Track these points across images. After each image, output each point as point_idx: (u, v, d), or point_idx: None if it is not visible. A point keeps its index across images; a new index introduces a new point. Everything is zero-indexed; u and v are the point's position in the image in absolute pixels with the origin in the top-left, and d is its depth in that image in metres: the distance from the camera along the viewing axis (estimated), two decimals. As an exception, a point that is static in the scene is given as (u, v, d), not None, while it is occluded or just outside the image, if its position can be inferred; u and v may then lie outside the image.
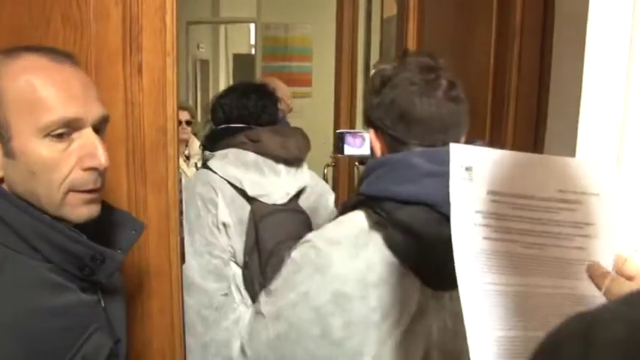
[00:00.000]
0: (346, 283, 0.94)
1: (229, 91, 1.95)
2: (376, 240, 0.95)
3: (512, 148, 1.36)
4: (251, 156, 1.71)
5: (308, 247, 1.01)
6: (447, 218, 0.69)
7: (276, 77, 3.62)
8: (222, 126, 1.85)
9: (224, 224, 1.68)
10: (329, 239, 1.00)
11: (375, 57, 3.85)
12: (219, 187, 1.69)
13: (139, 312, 1.37)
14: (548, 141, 1.27)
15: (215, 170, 1.71)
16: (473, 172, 0.66)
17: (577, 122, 1.14)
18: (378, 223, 0.96)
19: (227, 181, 1.69)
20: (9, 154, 0.81)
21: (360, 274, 0.94)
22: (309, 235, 1.06)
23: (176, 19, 1.30)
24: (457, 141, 0.98)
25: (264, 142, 1.71)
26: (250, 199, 1.69)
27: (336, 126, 2.88)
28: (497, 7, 1.43)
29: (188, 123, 3.09)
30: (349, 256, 0.96)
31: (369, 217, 0.98)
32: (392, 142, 1.01)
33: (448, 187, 0.75)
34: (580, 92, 1.13)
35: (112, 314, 0.97)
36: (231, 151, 1.73)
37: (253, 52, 6.01)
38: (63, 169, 0.82)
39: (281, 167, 1.73)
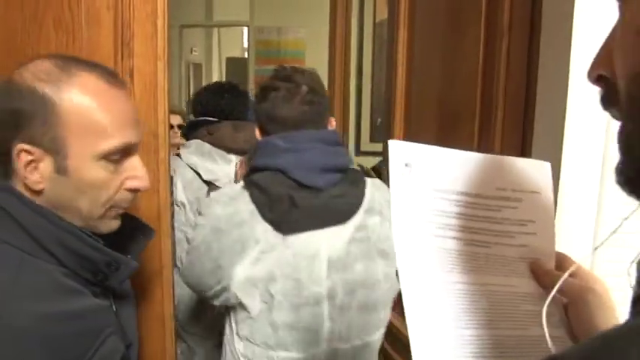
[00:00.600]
0: (219, 221, 1.36)
1: (207, 89, 2.34)
2: (245, 196, 1.36)
3: (501, 148, 1.37)
4: (207, 146, 2.12)
5: (208, 200, 1.60)
6: (294, 181, 1.33)
7: (269, 80, 3.62)
8: (199, 118, 2.22)
9: (182, 203, 2.07)
10: (217, 195, 1.46)
11: (367, 60, 3.88)
12: (180, 172, 2.08)
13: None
14: (536, 141, 1.29)
15: (181, 157, 2.13)
16: (412, 168, 0.64)
17: (564, 122, 1.16)
18: (248, 184, 1.38)
19: (189, 166, 2.09)
20: (61, 170, 0.83)
21: (229, 216, 1.35)
22: (211, 194, 1.65)
23: (168, 24, 1.30)
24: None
25: (219, 135, 2.11)
26: (207, 183, 2.08)
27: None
28: (486, 7, 1.44)
29: (180, 127, 3.08)
30: (225, 205, 1.38)
31: (245, 181, 1.41)
32: (265, 135, 1.44)
33: (298, 158, 1.33)
34: (567, 92, 1.15)
35: (124, 319, 0.99)
36: (194, 142, 2.15)
37: (246, 55, 6.02)
38: (110, 189, 0.87)
39: (232, 156, 2.12)
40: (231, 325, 1.44)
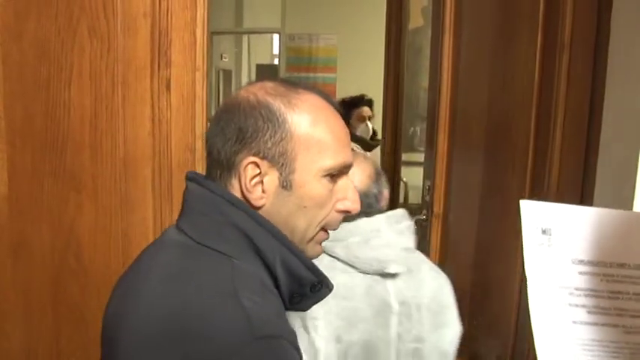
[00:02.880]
0: None
1: None
2: None
3: (558, 179, 1.25)
4: None
5: None
6: None
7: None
8: None
9: None
10: None
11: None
12: None
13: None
14: (601, 171, 1.16)
15: None
16: (552, 235, 0.54)
17: (638, 150, 1.03)
18: None
19: None
20: (286, 185, 0.82)
21: None
22: None
23: (208, 34, 1.24)
24: None
25: None
26: None
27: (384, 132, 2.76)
28: (544, 16, 1.30)
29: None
30: None
31: None
32: None
33: None
34: None
35: None
36: None
37: (276, 62, 5.97)
38: (327, 207, 0.85)
39: None
40: None
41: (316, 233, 0.86)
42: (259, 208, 0.82)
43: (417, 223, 1.60)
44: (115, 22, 1.24)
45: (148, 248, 0.91)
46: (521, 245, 0.53)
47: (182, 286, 0.75)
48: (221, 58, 6.75)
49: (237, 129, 0.81)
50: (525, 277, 0.53)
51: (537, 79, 1.36)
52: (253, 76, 7.17)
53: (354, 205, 0.88)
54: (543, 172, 1.29)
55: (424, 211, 1.70)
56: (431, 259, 1.44)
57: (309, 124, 0.82)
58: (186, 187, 0.87)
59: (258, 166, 0.80)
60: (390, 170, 2.54)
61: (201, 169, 1.27)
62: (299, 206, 0.83)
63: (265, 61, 7.26)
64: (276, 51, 6.36)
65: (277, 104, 0.81)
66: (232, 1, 6.12)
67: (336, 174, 0.85)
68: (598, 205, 1.16)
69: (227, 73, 7.01)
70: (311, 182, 0.82)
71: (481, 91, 1.64)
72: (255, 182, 0.80)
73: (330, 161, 0.83)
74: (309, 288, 0.85)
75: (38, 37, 1.24)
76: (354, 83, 4.18)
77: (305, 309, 0.89)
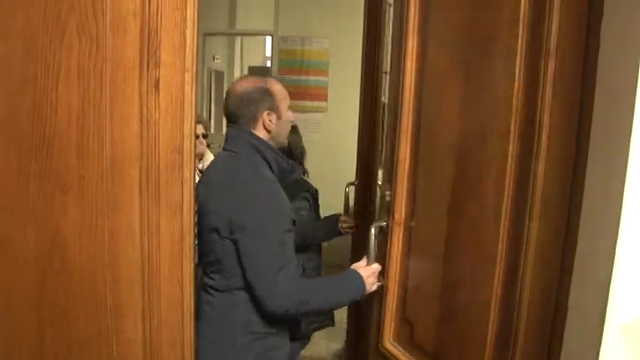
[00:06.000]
0: None
1: None
2: None
3: (541, 200, 1.18)
4: None
5: None
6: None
7: (292, 90, 3.53)
8: None
9: None
10: None
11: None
12: None
13: (147, 343, 1.29)
14: (589, 191, 1.08)
15: None
16: None
17: (625, 170, 0.95)
18: None
19: None
20: (280, 119, 1.68)
21: None
22: None
23: (197, 34, 1.22)
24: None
25: None
26: None
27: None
28: (526, 16, 1.17)
29: (204, 136, 3.01)
30: None
31: None
32: None
33: None
34: (631, 129, 0.94)
35: None
36: None
37: (269, 64, 5.95)
38: (290, 122, 1.77)
39: None
40: None
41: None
42: (270, 131, 1.66)
43: (379, 229, 1.59)
44: (104, 21, 1.22)
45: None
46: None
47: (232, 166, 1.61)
48: (213, 60, 6.73)
49: (258, 97, 1.65)
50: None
51: (517, 89, 1.22)
52: (245, 78, 7.13)
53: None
54: (527, 179, 1.20)
55: (385, 218, 1.61)
56: (392, 267, 1.58)
57: (278, 91, 1.70)
58: (227, 131, 1.70)
59: (269, 113, 1.65)
60: (368, 174, 2.52)
61: (189, 171, 1.26)
62: (284, 127, 1.73)
63: (257, 62, 7.25)
64: (268, 53, 6.35)
65: (264, 85, 1.68)
66: (225, 3, 6.11)
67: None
68: (585, 216, 1.12)
69: (219, 75, 6.99)
70: (286, 113, 1.72)
71: (451, 96, 1.45)
72: (268, 120, 1.65)
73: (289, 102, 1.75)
74: (289, 171, 1.72)
75: (26, 34, 1.23)
76: (345, 87, 4.17)
77: (290, 177, 1.83)
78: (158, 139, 1.25)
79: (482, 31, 1.34)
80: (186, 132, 1.25)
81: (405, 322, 1.56)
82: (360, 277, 1.57)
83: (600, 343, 0.98)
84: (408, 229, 1.57)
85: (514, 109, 1.23)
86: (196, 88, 1.27)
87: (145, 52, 1.22)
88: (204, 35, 5.73)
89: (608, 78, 1.07)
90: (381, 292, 1.63)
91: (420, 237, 1.54)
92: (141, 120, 1.24)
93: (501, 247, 1.21)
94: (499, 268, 1.22)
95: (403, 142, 1.56)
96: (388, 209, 1.62)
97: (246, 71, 7.17)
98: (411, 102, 1.56)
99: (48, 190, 1.28)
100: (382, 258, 1.61)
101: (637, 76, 0.95)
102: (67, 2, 1.21)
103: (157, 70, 1.23)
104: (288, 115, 1.73)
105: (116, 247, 1.29)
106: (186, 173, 1.25)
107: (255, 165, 1.59)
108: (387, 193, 1.61)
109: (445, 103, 1.49)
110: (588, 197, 1.09)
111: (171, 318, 1.29)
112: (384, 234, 1.61)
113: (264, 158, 1.62)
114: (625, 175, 0.96)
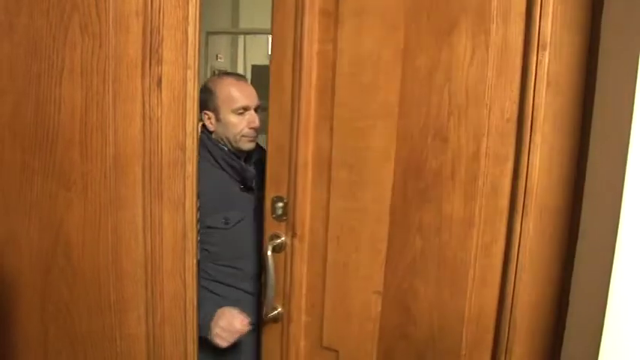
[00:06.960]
0: None
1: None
2: None
3: (536, 190, 1.13)
4: None
5: None
6: None
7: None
8: None
9: None
10: None
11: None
12: None
13: (150, 339, 1.30)
14: (589, 182, 1.07)
15: None
16: None
17: (625, 170, 0.92)
18: None
19: None
20: (219, 121, 1.70)
21: None
22: None
23: (199, 32, 1.23)
24: None
25: None
26: None
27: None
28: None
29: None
30: None
31: None
32: None
33: None
34: (629, 131, 0.90)
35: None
36: None
37: (272, 63, 5.94)
38: (238, 128, 1.71)
39: None
40: None
41: (239, 140, 1.71)
42: (212, 132, 1.72)
43: (273, 249, 1.38)
44: (107, 19, 1.23)
45: None
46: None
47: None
48: (216, 58, 6.73)
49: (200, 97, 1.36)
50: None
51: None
52: (249, 77, 7.15)
53: (255, 124, 1.73)
54: (515, 181, 1.13)
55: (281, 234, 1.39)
56: (294, 290, 1.36)
57: (224, 91, 1.70)
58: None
59: (207, 114, 1.71)
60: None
61: (192, 167, 1.27)
62: (226, 129, 1.70)
63: (260, 61, 7.24)
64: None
65: (210, 85, 1.73)
66: (229, 2, 6.12)
67: (242, 111, 1.71)
68: (585, 217, 1.12)
69: (222, 74, 6.97)
70: (227, 117, 1.69)
71: (390, 89, 1.24)
72: (209, 121, 1.71)
73: (235, 105, 1.70)
74: (241, 171, 1.70)
75: (29, 33, 1.24)
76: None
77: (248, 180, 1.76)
78: (160, 136, 1.26)
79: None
80: (189, 129, 1.26)
81: (326, 350, 1.39)
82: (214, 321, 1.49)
83: (600, 343, 0.98)
84: (316, 244, 1.36)
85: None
86: (198, 86, 1.28)
87: (148, 49, 1.23)
88: (208, 34, 5.74)
89: (607, 69, 1.05)
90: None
91: (340, 251, 1.33)
92: (143, 117, 1.25)
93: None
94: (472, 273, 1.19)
95: (302, 141, 1.34)
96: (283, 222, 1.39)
97: (249, 70, 7.19)
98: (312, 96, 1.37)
99: (52, 186, 1.29)
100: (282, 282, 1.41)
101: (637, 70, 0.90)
102: (70, 1, 1.22)
103: (159, 67, 1.24)
104: (231, 120, 1.68)
105: (119, 243, 1.30)
106: (189, 170, 1.26)
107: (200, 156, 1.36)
108: (280, 205, 1.39)
109: (384, 94, 1.27)
110: (588, 197, 1.09)
111: (174, 313, 1.30)
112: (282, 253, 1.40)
113: (210, 152, 1.68)
114: (625, 175, 0.94)
